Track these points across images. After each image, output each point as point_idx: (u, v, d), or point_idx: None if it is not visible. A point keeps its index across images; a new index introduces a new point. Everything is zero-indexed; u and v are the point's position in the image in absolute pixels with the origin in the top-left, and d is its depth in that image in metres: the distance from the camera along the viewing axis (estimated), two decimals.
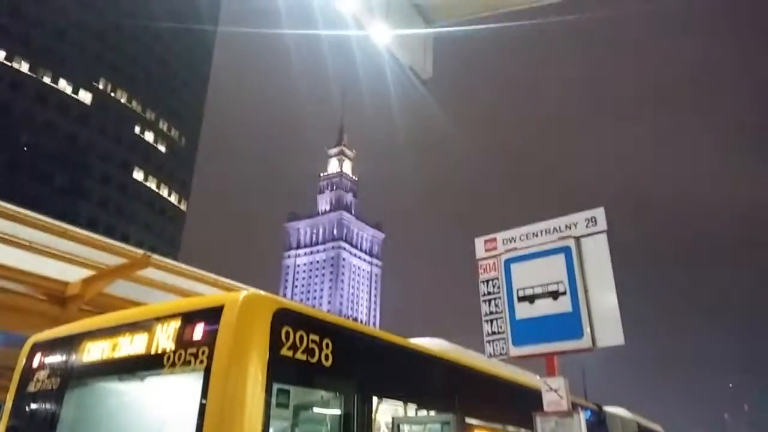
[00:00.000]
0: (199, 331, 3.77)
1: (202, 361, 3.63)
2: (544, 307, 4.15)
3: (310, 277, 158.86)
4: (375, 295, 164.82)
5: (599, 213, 4.19)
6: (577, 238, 4.16)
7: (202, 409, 3.47)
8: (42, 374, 4.60)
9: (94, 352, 4.33)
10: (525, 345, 4.22)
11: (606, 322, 3.86)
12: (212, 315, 3.76)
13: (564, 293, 4.08)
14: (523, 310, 4.28)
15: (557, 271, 4.17)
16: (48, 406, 4.49)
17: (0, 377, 5.10)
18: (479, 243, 4.90)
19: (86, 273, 10.42)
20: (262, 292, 3.99)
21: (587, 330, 3.86)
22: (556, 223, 4.36)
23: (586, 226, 4.17)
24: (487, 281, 4.73)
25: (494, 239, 4.79)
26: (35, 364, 4.69)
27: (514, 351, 4.24)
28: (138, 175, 79.85)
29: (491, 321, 4.83)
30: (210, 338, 3.68)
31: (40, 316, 9.20)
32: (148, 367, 4.00)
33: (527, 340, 4.19)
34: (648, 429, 10.30)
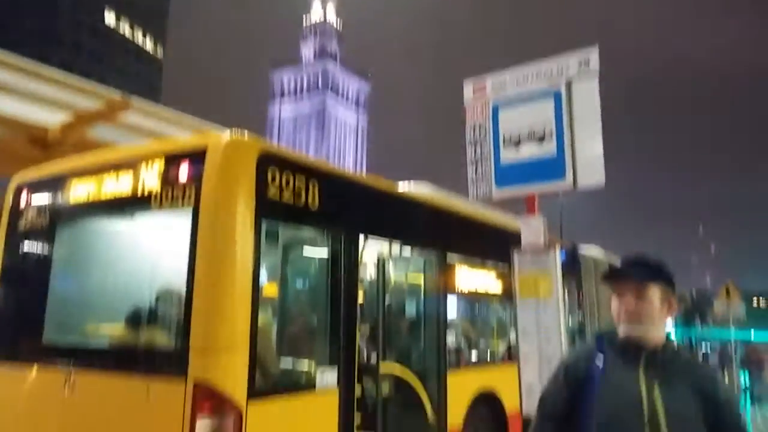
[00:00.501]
0: (184, 172, 3.78)
1: (189, 201, 3.68)
2: (529, 151, 4.17)
3: (296, 128, 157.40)
4: (362, 147, 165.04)
5: (593, 54, 4.06)
6: (568, 83, 4.07)
7: (193, 247, 3.57)
8: (31, 213, 4.66)
9: (81, 190, 4.36)
10: (507, 186, 4.30)
11: (588, 166, 3.91)
12: (197, 155, 3.74)
13: (550, 137, 4.08)
14: (508, 154, 4.31)
15: (545, 116, 4.14)
16: (41, 244, 4.61)
17: None
18: (468, 86, 4.79)
19: (66, 118, 10.20)
20: (246, 135, 3.94)
21: (569, 172, 3.92)
22: (548, 66, 4.23)
23: (579, 67, 4.06)
24: (474, 126, 4.69)
25: (483, 82, 4.67)
26: (23, 203, 4.73)
27: (497, 193, 4.34)
28: (109, 17, 74.97)
29: (476, 165, 4.89)
30: (196, 178, 3.69)
31: (24, 161, 9.13)
32: (136, 205, 4.05)
33: (510, 182, 4.27)
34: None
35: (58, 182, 4.52)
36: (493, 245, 6.28)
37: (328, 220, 4.41)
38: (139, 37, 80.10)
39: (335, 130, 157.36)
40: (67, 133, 10.30)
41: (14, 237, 4.76)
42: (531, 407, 3.76)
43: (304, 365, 4.18)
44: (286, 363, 4.15)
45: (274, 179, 3.87)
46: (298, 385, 4.04)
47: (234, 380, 3.40)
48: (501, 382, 6.07)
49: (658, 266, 2.02)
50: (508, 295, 6.11)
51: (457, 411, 5.39)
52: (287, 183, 3.98)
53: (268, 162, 3.86)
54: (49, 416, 3.98)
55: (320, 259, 4.60)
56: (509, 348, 6.52)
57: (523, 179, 4.17)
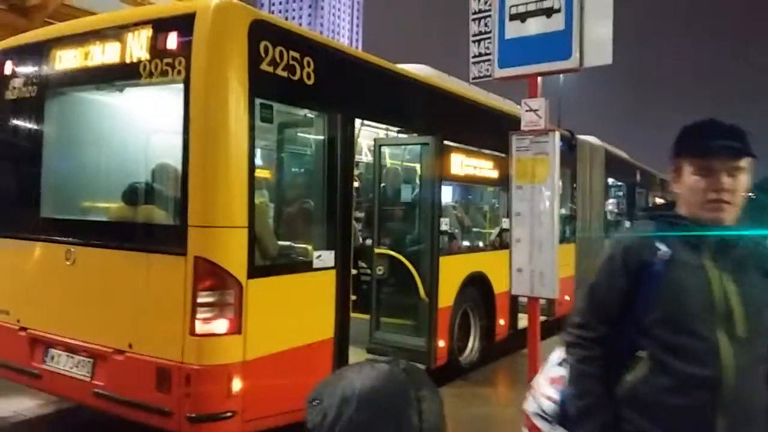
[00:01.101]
0: (172, 40, 3.57)
1: (179, 72, 3.52)
2: (536, 26, 3.95)
3: (287, 1, 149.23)
4: (357, 26, 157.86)
5: None
6: None
7: (186, 122, 3.47)
8: (16, 82, 4.48)
9: (67, 59, 4.15)
10: (510, 66, 4.13)
11: (596, 43, 3.72)
12: (185, 23, 3.53)
13: (558, 10, 3.84)
14: (513, 29, 4.07)
15: None
16: (30, 117, 4.46)
17: None
18: None
19: None
20: (237, 1, 3.69)
21: (576, 49, 3.74)
22: None
23: None
24: None
25: None
26: (7, 71, 4.53)
27: (499, 72, 4.16)
28: None
29: (479, 41, 4.67)
30: (185, 48, 3.50)
31: (4, 28, 8.71)
32: (124, 76, 3.89)
33: (513, 61, 4.08)
34: (615, 155, 10.96)
35: (43, 51, 4.30)
36: (491, 130, 6.19)
37: (324, 99, 4.28)
38: None
39: (329, 3, 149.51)
40: None
41: (2, 108, 4.61)
42: (519, 288, 3.90)
43: (302, 246, 4.24)
44: (284, 243, 4.21)
45: (267, 51, 3.68)
46: (296, 264, 4.11)
47: (233, 256, 3.46)
48: (491, 266, 6.24)
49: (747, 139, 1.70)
50: (503, 182, 6.12)
51: (448, 292, 5.60)
52: (281, 56, 3.80)
53: (261, 31, 3.66)
54: (53, 288, 4.09)
55: (316, 140, 4.52)
56: (501, 234, 6.65)
57: (527, 58, 3.99)
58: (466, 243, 6.55)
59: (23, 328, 4.16)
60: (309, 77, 4.01)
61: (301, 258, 4.17)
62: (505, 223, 6.44)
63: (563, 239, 7.61)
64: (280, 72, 3.78)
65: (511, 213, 4.00)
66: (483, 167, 6.43)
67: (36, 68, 4.38)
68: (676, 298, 1.63)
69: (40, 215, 4.29)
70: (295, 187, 4.87)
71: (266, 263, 3.81)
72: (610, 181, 10.78)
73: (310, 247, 4.19)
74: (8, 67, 4.53)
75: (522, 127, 3.97)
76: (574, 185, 8.55)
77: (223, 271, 3.40)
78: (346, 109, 4.43)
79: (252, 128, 3.57)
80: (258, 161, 3.93)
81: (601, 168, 9.60)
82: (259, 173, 4.11)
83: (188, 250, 3.39)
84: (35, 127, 4.44)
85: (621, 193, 11.94)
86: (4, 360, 4.27)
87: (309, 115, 4.50)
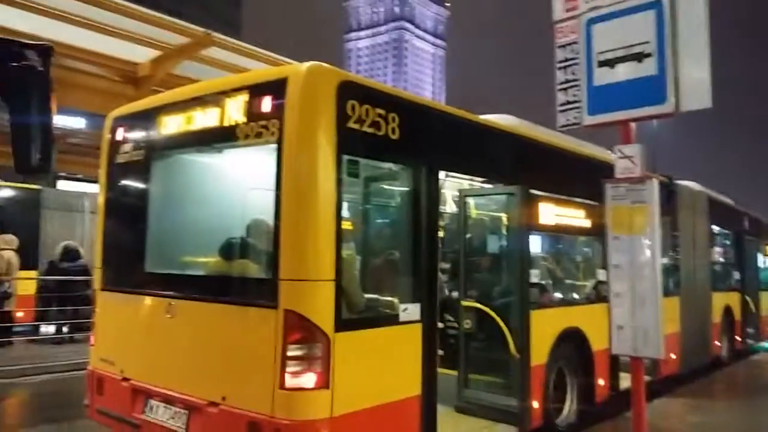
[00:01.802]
0: (266, 104, 3.77)
1: (273, 133, 3.69)
2: (626, 71, 3.83)
3: (372, 61, 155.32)
4: (439, 79, 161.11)
5: None
6: None
7: (278, 180, 3.62)
8: (127, 148, 4.88)
9: (171, 124, 4.49)
10: (601, 113, 4.00)
11: (693, 86, 3.54)
12: (278, 87, 3.72)
13: (650, 55, 3.71)
14: (603, 76, 3.97)
15: (645, 30, 3.75)
16: (138, 178, 4.83)
17: (90, 156, 5.48)
18: (557, 3, 4.42)
19: (154, 53, 10.58)
20: (326, 65, 3.86)
21: (671, 94, 3.58)
22: None
23: None
24: (565, 46, 4.36)
25: None
26: (119, 137, 4.95)
27: (589, 119, 4.05)
28: None
29: (566, 89, 4.58)
30: (278, 110, 3.68)
31: (117, 96, 9.63)
32: (224, 138, 4.12)
33: (603, 108, 3.96)
34: (718, 202, 10.26)
35: (150, 117, 4.67)
36: (581, 178, 5.98)
37: (408, 152, 4.32)
38: None
39: (412, 60, 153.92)
40: (156, 69, 10.76)
41: (113, 172, 5.02)
42: (621, 347, 3.63)
43: (388, 298, 4.22)
44: (370, 296, 4.21)
45: (354, 110, 3.79)
46: (382, 318, 4.08)
47: (321, 309, 3.49)
48: (588, 321, 5.92)
49: None
50: (597, 231, 5.85)
51: (540, 348, 5.34)
52: (367, 114, 3.90)
53: (348, 92, 3.78)
54: (154, 340, 4.30)
55: (401, 193, 4.55)
56: (597, 287, 6.32)
57: (618, 104, 3.86)
58: (558, 296, 6.28)
59: (125, 379, 4.38)
60: (393, 132, 4.08)
61: (387, 311, 4.14)
62: (601, 275, 6.11)
63: (666, 292, 7.11)
64: (366, 129, 3.87)
65: (608, 265, 3.79)
66: (574, 216, 6.20)
67: (144, 135, 4.76)
68: None
69: (144, 270, 4.56)
70: (381, 240, 4.90)
71: (353, 316, 3.81)
72: (716, 229, 10.04)
73: (395, 300, 4.15)
74: (119, 134, 4.95)
75: (616, 175, 3.81)
76: (676, 234, 8.03)
77: (311, 324, 3.43)
78: (430, 161, 4.44)
79: (339, 184, 3.65)
80: (345, 214, 4.00)
81: (704, 215, 8.99)
82: (346, 226, 4.17)
83: (279, 303, 3.47)
84: (142, 187, 4.78)
85: (728, 242, 11.07)
86: (108, 409, 4.48)
87: (394, 168, 4.56)
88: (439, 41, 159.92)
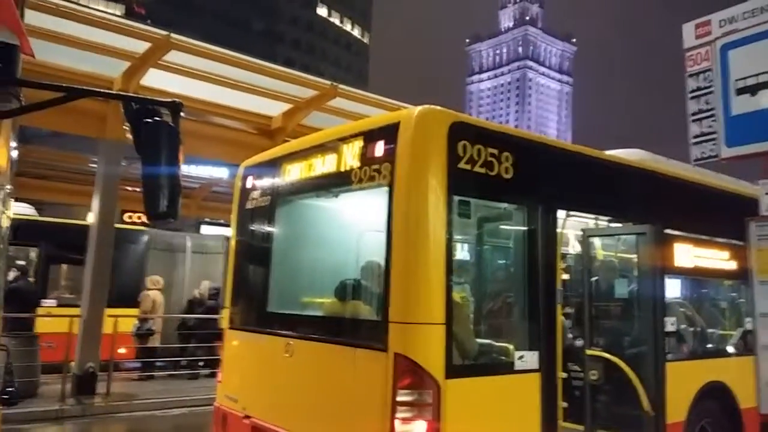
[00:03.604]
0: (379, 148, 3.86)
1: (385, 177, 3.76)
2: None
3: (494, 102, 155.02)
4: (565, 116, 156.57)
5: None
6: None
7: (390, 223, 3.65)
8: (255, 194, 5.23)
9: (293, 171, 4.77)
10: (741, 144, 3.63)
11: None
12: (390, 131, 3.80)
13: None
14: (742, 104, 3.63)
15: None
16: (264, 223, 5.14)
17: (230, 202, 5.93)
18: (688, 29, 4.15)
19: (284, 107, 11.40)
20: (437, 107, 3.89)
21: None
22: None
23: None
24: (697, 74, 4.07)
25: (707, 22, 3.99)
26: (248, 185, 5.33)
27: (727, 152, 3.70)
28: (321, 11, 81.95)
29: (700, 120, 4.23)
30: (390, 154, 3.76)
31: (254, 148, 10.43)
32: (340, 183, 4.28)
33: (744, 139, 3.60)
34: None
35: (275, 165, 4.99)
36: (720, 216, 5.41)
37: (525, 192, 4.18)
38: (348, 26, 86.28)
39: (536, 98, 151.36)
40: (287, 121, 11.54)
41: (243, 217, 5.40)
42: None
43: (503, 345, 4.04)
44: (484, 341, 4.06)
45: (465, 150, 3.76)
46: (497, 365, 3.92)
47: (432, 355, 3.41)
48: (733, 375, 5.25)
49: None
50: (743, 275, 5.22)
51: (678, 405, 4.79)
52: (479, 154, 3.84)
53: (460, 133, 3.76)
54: (272, 379, 4.46)
55: (516, 234, 4.39)
56: (745, 337, 5.60)
57: (762, 134, 3.47)
58: (699, 346, 5.64)
59: (247, 416, 4.56)
60: (507, 171, 3.98)
61: (501, 358, 3.95)
62: (749, 324, 5.41)
63: None
64: (478, 169, 3.82)
65: (755, 313, 3.35)
66: (715, 258, 5.59)
67: (269, 182, 5.08)
68: None
69: (266, 309, 4.78)
70: (495, 282, 4.74)
71: (464, 362, 3.69)
72: None
73: (511, 347, 3.96)
74: (249, 181, 5.33)
75: (762, 212, 3.40)
76: None
77: (420, 368, 3.35)
78: (547, 200, 4.26)
79: (450, 225, 3.61)
80: (457, 256, 3.93)
81: None
82: (458, 268, 4.09)
83: (389, 346, 3.45)
84: (267, 231, 5.08)
85: None
86: None
87: (509, 208, 4.43)
88: (565, 77, 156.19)
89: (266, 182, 5.14)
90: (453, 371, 3.45)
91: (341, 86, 11.10)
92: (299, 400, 4.15)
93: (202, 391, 9.26)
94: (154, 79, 9.57)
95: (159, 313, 11.41)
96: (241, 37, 64.70)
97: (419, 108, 3.78)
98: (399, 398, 3.34)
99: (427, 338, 3.44)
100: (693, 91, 4.28)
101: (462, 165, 3.74)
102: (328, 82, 11.13)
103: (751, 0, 3.78)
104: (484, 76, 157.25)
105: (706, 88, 4.14)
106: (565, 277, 5.60)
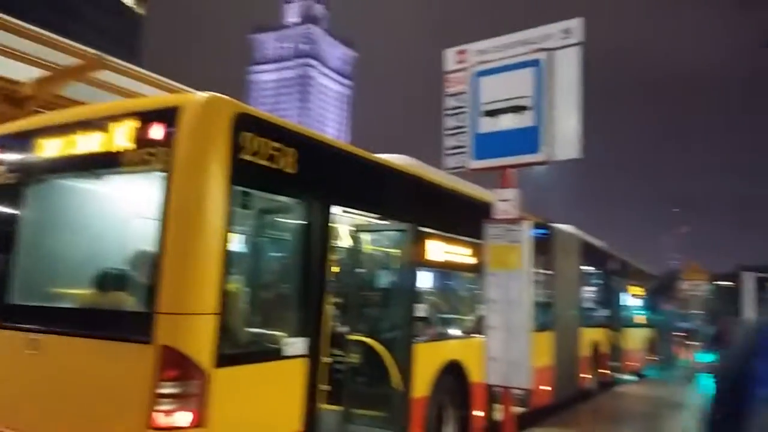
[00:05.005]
0: (157, 131, 3.68)
1: (161, 161, 3.59)
2: (507, 122, 4.17)
3: (278, 95, 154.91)
4: (345, 117, 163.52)
5: (576, 25, 4.03)
6: (551, 50, 4.04)
7: (164, 210, 3.51)
8: (1, 169, 4.53)
9: (51, 148, 4.24)
10: (484, 158, 4.30)
11: (565, 138, 3.92)
12: (170, 115, 3.65)
13: (529, 108, 4.07)
14: (486, 125, 4.30)
15: (525, 86, 4.13)
16: (9, 203, 4.49)
17: None
18: (449, 55, 4.75)
19: (39, 73, 9.94)
20: (223, 96, 3.84)
21: (545, 144, 3.93)
22: (531, 35, 4.21)
23: (562, 37, 4.03)
24: (455, 95, 4.68)
25: (465, 51, 4.63)
26: None
27: (474, 164, 4.34)
28: None
29: (455, 135, 4.88)
30: (168, 138, 3.60)
31: None
32: (106, 165, 3.95)
33: (486, 154, 4.27)
34: (591, 245, 11.13)
35: (28, 139, 4.38)
36: (466, 218, 6.30)
37: (303, 187, 4.36)
38: None
39: (318, 97, 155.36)
40: (41, 90, 10.04)
41: None
42: (495, 378, 3.83)
43: (274, 333, 4.16)
44: (255, 330, 4.13)
45: (249, 143, 3.79)
46: (267, 353, 4.01)
47: (200, 345, 3.37)
48: (467, 354, 6.15)
49: None
50: (478, 268, 6.16)
51: (423, 382, 5.46)
52: (263, 147, 3.91)
53: (244, 124, 3.78)
54: (18, 375, 3.94)
55: (293, 227, 4.55)
56: (477, 321, 6.61)
57: (499, 151, 4.17)
58: (442, 329, 6.48)
59: None
60: (288, 166, 4.11)
61: (271, 346, 4.07)
62: (483, 309, 6.40)
63: (542, 327, 7.57)
64: (260, 161, 3.87)
65: (486, 299, 4.01)
66: (459, 253, 6.48)
67: (20, 158, 4.45)
68: None
69: (7, 302, 4.19)
70: (271, 273, 4.84)
71: (235, 351, 3.71)
72: (589, 269, 10.88)
73: (282, 335, 4.11)
74: None
75: (495, 216, 4.08)
76: (551, 273, 8.61)
77: (187, 360, 3.30)
78: (324, 197, 4.50)
79: (228, 215, 3.60)
80: (234, 247, 3.94)
81: (576, 257, 9.71)
82: (234, 259, 4.10)
83: (155, 337, 3.31)
84: (12, 212, 4.44)
85: (598, 282, 12.05)
86: None
87: (286, 201, 4.57)
88: (346, 81, 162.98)
89: (17, 158, 4.49)
90: (222, 360, 3.45)
91: (108, 57, 10.08)
92: (48, 402, 3.73)
93: None
94: None
95: None
96: None
97: (205, 95, 3.71)
98: (161, 390, 3.24)
99: (198, 328, 3.39)
100: (450, 109, 4.88)
101: (244, 156, 3.76)
102: (93, 51, 10.03)
103: (499, 38, 4.47)
104: (268, 67, 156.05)
105: (460, 107, 4.75)
106: (336, 269, 5.96)
